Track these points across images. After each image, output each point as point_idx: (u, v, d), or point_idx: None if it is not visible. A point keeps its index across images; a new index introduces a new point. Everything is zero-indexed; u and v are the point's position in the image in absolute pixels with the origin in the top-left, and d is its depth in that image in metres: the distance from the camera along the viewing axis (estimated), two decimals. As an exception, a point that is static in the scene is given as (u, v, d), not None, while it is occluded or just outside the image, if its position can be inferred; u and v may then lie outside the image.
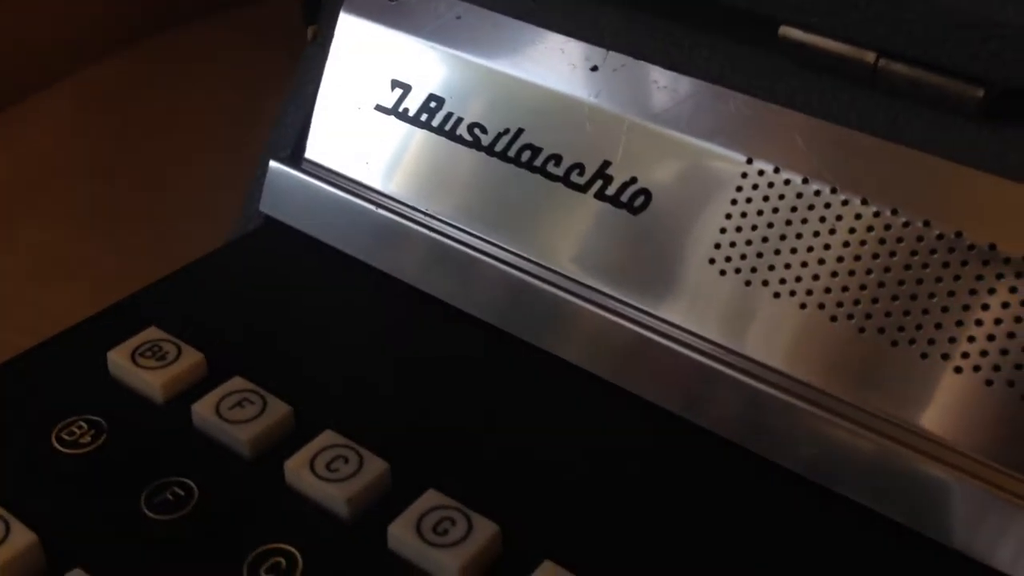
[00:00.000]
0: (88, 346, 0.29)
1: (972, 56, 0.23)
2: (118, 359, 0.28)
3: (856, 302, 0.25)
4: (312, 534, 0.24)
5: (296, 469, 0.25)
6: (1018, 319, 0.23)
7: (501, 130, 0.31)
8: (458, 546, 0.23)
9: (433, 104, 0.32)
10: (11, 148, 0.46)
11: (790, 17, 0.26)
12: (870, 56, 0.25)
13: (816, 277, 0.26)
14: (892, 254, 0.25)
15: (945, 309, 0.24)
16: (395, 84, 0.33)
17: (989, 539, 0.23)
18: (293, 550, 0.23)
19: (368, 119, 0.34)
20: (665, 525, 0.25)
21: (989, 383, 0.23)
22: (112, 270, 0.38)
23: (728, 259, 0.27)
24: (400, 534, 0.23)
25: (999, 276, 0.23)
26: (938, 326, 0.24)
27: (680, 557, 0.24)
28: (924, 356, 0.24)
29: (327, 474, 0.25)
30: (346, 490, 0.24)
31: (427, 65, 0.32)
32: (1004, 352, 0.23)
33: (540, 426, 0.27)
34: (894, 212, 0.25)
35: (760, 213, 0.26)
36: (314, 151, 0.35)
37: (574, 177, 0.29)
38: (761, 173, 0.26)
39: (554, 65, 0.30)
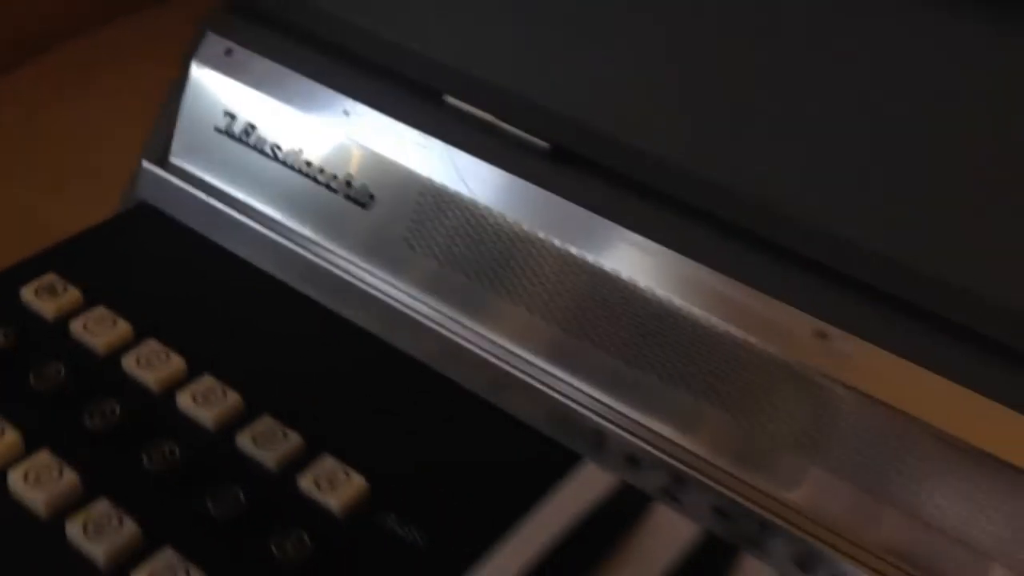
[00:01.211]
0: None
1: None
2: (26, 291, 0.43)
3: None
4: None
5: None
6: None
7: (295, 148, 0.46)
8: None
9: (250, 129, 0.47)
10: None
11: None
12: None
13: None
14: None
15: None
16: (226, 113, 0.48)
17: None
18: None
19: (212, 136, 0.49)
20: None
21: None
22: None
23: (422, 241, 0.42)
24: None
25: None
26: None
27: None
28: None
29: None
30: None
31: (248, 102, 0.47)
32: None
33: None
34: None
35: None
36: (175, 155, 0.50)
37: (332, 183, 0.45)
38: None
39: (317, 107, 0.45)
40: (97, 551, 0.33)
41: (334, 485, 0.36)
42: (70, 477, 0.35)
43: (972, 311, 0.33)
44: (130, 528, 0.34)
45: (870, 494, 0.34)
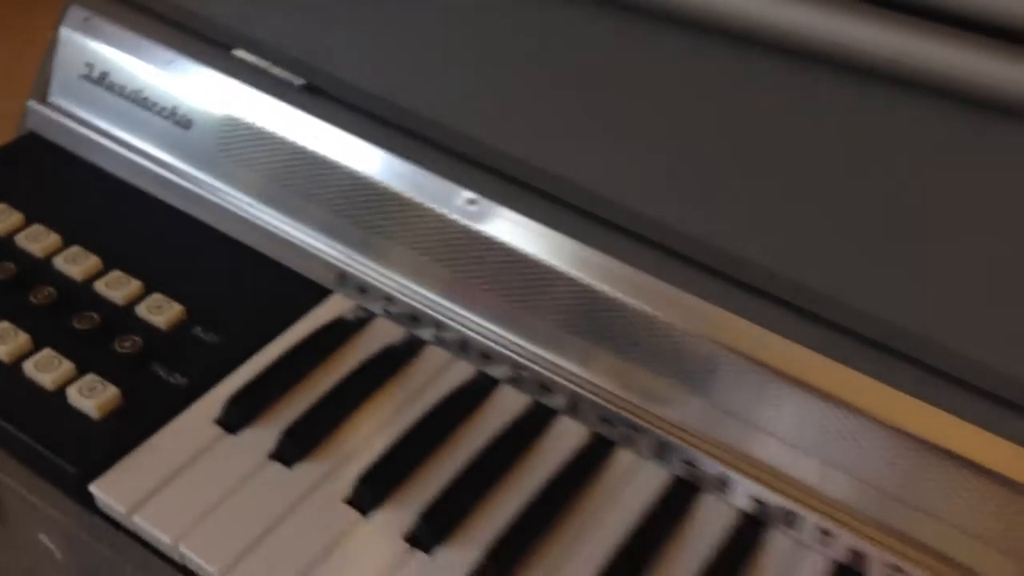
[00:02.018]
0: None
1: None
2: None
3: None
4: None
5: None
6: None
7: (136, 88, 0.64)
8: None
9: (104, 75, 0.65)
10: None
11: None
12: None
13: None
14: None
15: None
16: (86, 64, 0.65)
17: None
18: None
19: (78, 81, 0.66)
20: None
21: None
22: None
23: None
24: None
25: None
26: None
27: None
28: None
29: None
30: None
31: (102, 56, 0.65)
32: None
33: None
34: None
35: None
36: (53, 96, 0.67)
37: (162, 112, 0.63)
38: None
39: (150, 58, 0.63)
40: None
41: (161, 311, 0.55)
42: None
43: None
44: (24, 338, 0.53)
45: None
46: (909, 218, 0.47)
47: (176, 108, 0.62)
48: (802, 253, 0.48)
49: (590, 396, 0.53)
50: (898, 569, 0.48)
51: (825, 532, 0.49)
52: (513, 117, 0.54)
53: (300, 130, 0.58)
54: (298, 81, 0.59)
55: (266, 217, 0.60)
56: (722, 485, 0.51)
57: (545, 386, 0.54)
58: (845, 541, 0.48)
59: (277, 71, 0.59)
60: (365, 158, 0.56)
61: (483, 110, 0.54)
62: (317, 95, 0.58)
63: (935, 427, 0.46)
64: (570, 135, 0.53)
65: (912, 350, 0.46)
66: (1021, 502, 0.45)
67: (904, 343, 0.46)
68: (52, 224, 0.60)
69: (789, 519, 0.49)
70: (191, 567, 0.47)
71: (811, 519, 0.49)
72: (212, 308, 0.57)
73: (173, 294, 0.56)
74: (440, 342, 0.56)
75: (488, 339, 0.55)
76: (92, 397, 0.50)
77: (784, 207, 0.49)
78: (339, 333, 0.56)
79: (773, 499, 0.49)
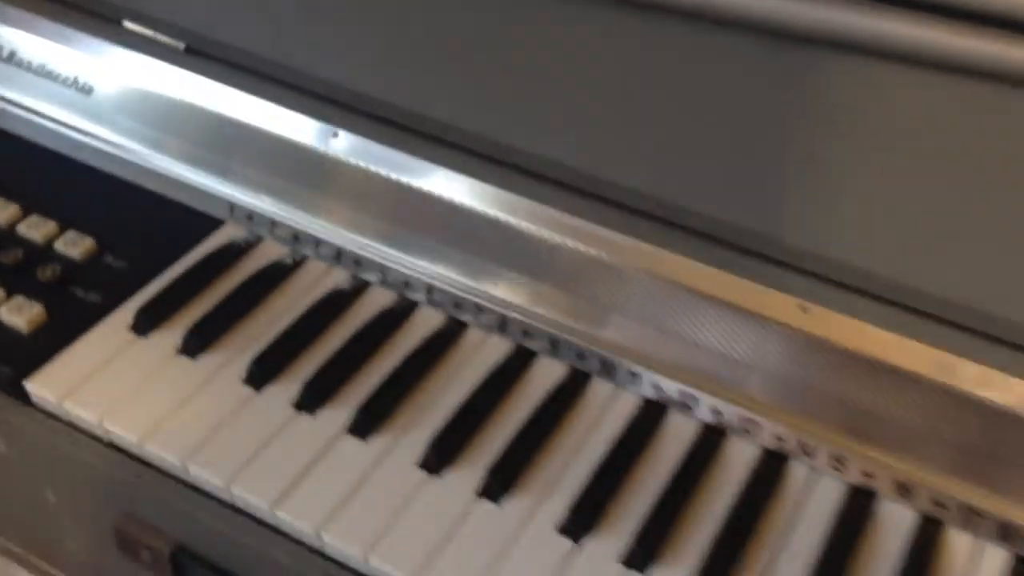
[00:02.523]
0: None
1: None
2: None
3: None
4: None
5: None
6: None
7: (43, 62, 0.73)
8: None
9: (12, 54, 0.74)
10: None
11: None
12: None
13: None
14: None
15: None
16: (-3, 46, 0.75)
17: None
18: None
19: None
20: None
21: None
22: None
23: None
24: None
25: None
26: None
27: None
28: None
29: None
30: None
31: (9, 37, 0.74)
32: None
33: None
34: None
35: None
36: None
37: (67, 83, 0.72)
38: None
39: (53, 36, 0.73)
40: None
41: (76, 244, 0.65)
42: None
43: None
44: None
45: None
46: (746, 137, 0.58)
47: (77, 79, 0.72)
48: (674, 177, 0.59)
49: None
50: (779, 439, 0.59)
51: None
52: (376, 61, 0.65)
53: (183, 87, 0.68)
54: (180, 45, 0.69)
55: (160, 163, 0.70)
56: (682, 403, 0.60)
57: (458, 304, 0.65)
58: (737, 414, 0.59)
59: (162, 38, 0.69)
60: (237, 104, 0.67)
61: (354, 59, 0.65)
62: (196, 56, 0.69)
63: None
64: (428, 71, 0.64)
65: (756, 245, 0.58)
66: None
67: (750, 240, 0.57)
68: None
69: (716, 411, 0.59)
70: (116, 442, 0.57)
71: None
72: (120, 241, 0.67)
73: (85, 231, 0.66)
74: (320, 256, 0.67)
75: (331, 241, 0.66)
76: (21, 315, 0.60)
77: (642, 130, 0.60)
78: (230, 256, 0.67)
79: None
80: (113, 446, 0.57)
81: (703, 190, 0.58)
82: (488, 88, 0.63)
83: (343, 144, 0.65)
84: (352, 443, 0.57)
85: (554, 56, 0.62)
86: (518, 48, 0.63)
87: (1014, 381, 0.52)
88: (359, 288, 0.66)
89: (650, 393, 0.59)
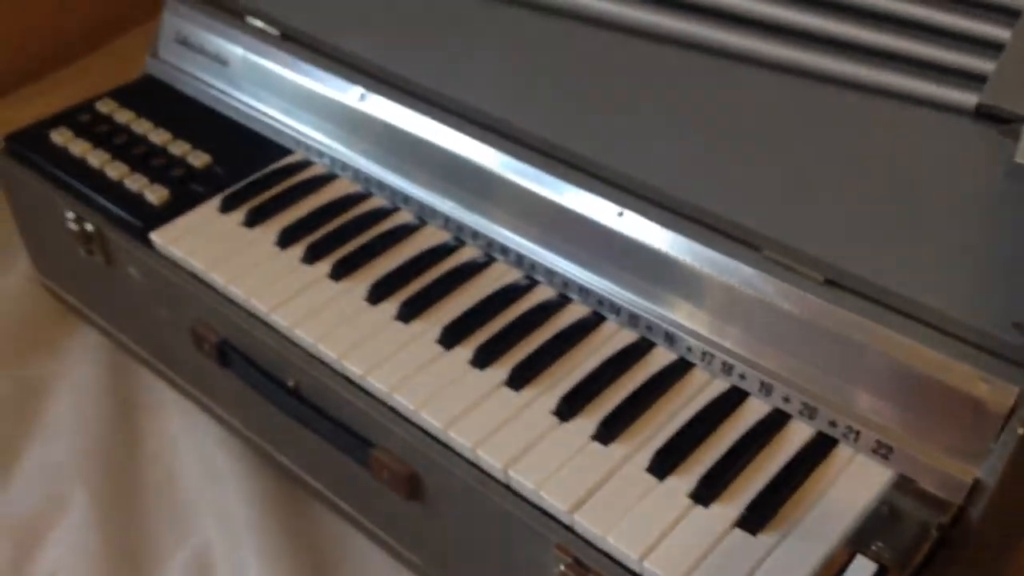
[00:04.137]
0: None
1: None
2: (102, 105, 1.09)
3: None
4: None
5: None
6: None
7: (201, 43, 1.10)
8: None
9: (187, 39, 1.11)
10: None
11: None
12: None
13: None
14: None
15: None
16: (177, 32, 1.12)
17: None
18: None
19: (174, 44, 1.13)
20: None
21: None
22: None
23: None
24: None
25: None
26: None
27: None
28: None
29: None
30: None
31: (187, 27, 1.11)
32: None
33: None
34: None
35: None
36: (161, 52, 1.15)
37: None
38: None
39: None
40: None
41: (199, 158, 1.01)
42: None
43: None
44: (125, 168, 0.99)
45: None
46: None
47: (220, 54, 1.08)
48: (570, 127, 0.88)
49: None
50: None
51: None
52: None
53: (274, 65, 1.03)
54: (275, 32, 1.03)
55: (255, 114, 1.04)
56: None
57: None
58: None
59: (264, 27, 1.04)
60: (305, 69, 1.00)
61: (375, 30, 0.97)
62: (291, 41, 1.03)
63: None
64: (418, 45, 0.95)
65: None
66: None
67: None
68: (151, 118, 1.07)
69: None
70: (213, 285, 0.91)
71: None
72: (227, 161, 1.02)
73: (204, 150, 1.02)
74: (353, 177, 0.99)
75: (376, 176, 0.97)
76: (155, 194, 0.97)
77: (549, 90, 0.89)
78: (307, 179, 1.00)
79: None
80: (198, 280, 0.92)
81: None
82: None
83: (371, 103, 0.97)
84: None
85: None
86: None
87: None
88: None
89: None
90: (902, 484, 0.68)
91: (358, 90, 0.97)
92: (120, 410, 1.05)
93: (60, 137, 1.04)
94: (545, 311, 0.83)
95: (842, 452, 0.71)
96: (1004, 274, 0.65)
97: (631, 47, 0.84)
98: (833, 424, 0.71)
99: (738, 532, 0.66)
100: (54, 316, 1.14)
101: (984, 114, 0.66)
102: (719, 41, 0.78)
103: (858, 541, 0.65)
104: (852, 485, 0.69)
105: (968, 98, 0.66)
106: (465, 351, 0.81)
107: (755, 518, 0.66)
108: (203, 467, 0.99)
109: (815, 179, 0.74)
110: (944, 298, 0.67)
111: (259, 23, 1.05)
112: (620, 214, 0.81)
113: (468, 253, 0.90)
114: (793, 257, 0.73)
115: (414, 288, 0.86)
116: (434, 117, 0.92)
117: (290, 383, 0.85)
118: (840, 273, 0.71)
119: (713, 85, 0.79)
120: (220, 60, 1.08)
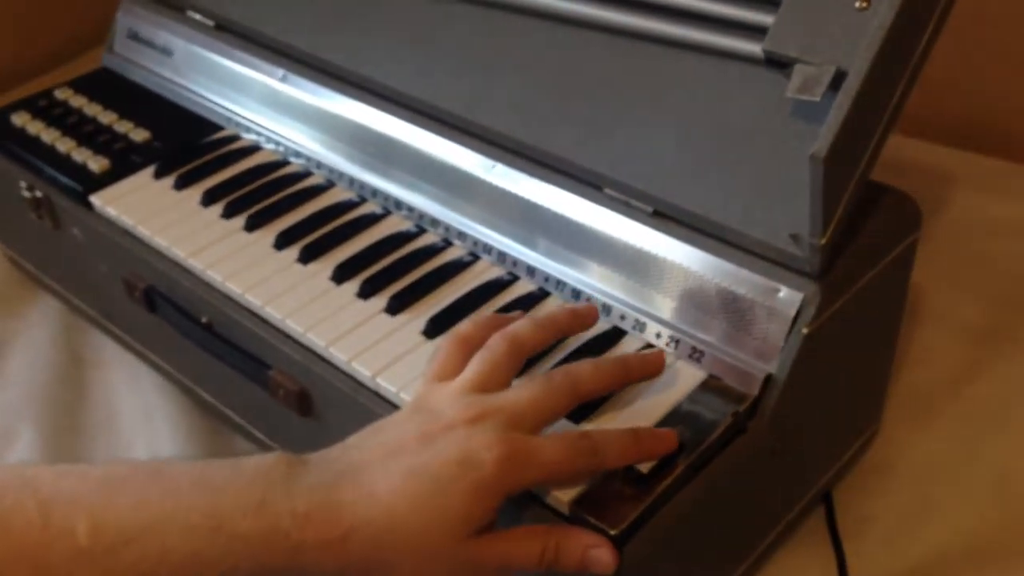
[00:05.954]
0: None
1: None
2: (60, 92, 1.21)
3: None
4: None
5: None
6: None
7: (150, 38, 1.23)
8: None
9: (138, 34, 1.24)
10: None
11: None
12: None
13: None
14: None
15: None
16: (130, 29, 1.25)
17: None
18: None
19: (127, 40, 1.26)
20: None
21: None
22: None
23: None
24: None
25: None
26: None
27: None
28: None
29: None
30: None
31: (138, 23, 1.24)
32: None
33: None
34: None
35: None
36: (116, 47, 1.27)
37: (160, 49, 1.21)
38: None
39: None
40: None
41: (139, 134, 1.13)
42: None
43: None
44: (73, 143, 1.11)
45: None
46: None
47: (165, 46, 1.21)
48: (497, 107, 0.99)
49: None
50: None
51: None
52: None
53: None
54: (210, 23, 1.16)
55: (194, 97, 1.17)
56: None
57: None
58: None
59: (201, 19, 1.16)
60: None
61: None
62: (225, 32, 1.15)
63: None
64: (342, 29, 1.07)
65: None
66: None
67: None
68: (102, 103, 1.19)
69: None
70: (141, 238, 1.03)
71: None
72: (165, 137, 1.13)
73: (145, 127, 1.14)
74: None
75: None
76: (96, 163, 1.09)
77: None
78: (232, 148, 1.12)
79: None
80: (130, 235, 1.03)
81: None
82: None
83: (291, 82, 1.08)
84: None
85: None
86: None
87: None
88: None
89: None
90: (710, 382, 0.79)
91: (280, 71, 1.09)
92: (70, 364, 1.17)
93: (19, 119, 1.17)
94: (428, 252, 0.95)
95: (628, 342, 0.84)
96: (786, 196, 0.75)
97: (480, 16, 0.96)
98: (623, 317, 0.83)
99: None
100: (14, 284, 1.26)
101: (770, 60, 0.77)
102: (552, 7, 0.90)
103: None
104: (668, 385, 0.79)
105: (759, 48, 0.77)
106: (352, 286, 0.92)
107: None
108: (140, 409, 1.10)
109: (646, 127, 0.85)
110: (744, 220, 0.78)
111: (197, 16, 1.18)
112: (492, 167, 0.92)
113: (370, 207, 1.01)
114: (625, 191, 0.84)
115: (315, 236, 0.98)
116: (344, 93, 1.04)
117: (204, 320, 0.96)
118: (666, 205, 0.82)
119: (554, 49, 0.91)
120: (166, 51, 1.21)
